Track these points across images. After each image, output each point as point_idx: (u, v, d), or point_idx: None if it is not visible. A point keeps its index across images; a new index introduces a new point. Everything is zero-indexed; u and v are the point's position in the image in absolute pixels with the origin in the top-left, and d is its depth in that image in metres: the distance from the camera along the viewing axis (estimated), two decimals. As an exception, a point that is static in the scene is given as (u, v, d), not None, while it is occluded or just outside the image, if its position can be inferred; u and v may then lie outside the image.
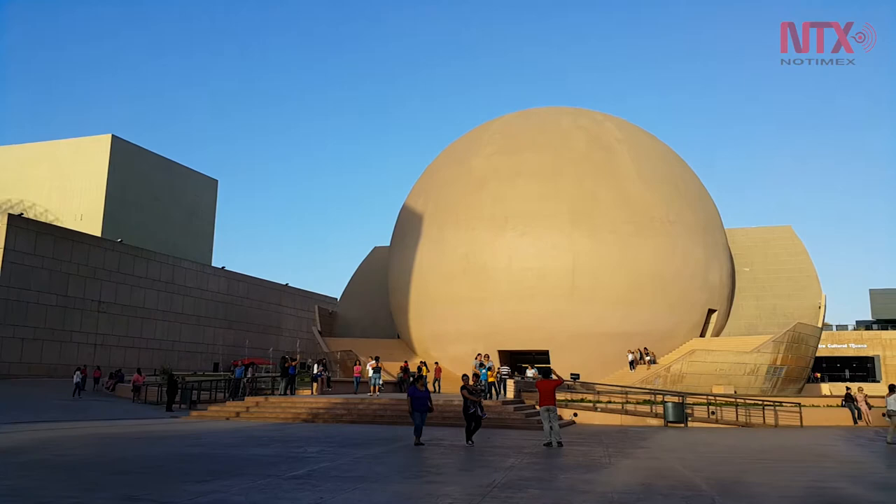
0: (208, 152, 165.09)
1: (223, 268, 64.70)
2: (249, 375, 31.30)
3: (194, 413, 26.37)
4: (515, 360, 38.61)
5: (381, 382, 30.56)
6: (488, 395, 26.15)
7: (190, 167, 75.79)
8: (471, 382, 17.64)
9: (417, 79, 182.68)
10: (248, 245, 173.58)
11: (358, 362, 30.88)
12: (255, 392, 30.46)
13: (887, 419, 18.32)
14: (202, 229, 77.00)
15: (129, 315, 51.06)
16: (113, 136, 66.49)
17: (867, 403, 26.66)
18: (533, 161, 37.39)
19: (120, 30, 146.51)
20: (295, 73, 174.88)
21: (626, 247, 35.04)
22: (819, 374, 56.27)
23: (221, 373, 47.78)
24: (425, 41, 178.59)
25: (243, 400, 27.41)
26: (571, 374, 31.19)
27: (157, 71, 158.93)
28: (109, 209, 64.65)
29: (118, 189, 65.61)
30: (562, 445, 15.52)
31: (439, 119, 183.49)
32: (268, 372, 41.24)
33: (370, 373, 28.74)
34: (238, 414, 24.97)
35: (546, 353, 35.40)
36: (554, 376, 16.84)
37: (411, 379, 16.71)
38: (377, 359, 29.71)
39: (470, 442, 15.75)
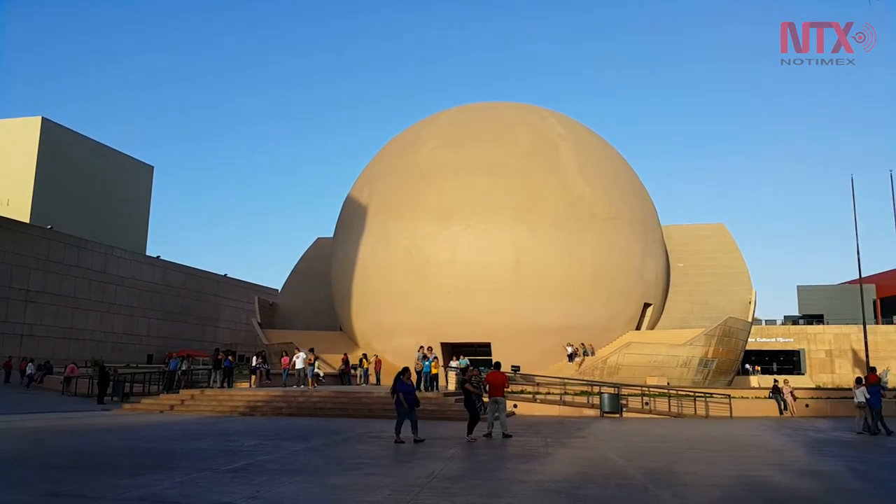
0: (144, 138, 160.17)
1: (158, 257, 62.89)
2: (185, 368, 30.62)
3: (127, 406, 25.63)
4: (457, 352, 38.81)
5: (321, 375, 30.30)
6: (433, 388, 26.26)
7: (124, 152, 73.39)
8: (469, 374, 16.94)
9: (363, 70, 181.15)
10: (185, 234, 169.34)
11: (285, 354, 30.41)
12: (191, 385, 29.81)
13: (857, 409, 19.80)
14: (137, 217, 74.56)
15: (59, 305, 49.19)
16: (43, 118, 63.72)
17: (792, 395, 27.83)
18: (478, 155, 37.59)
19: (51, 7, 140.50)
20: (238, 58, 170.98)
21: (568, 242, 35.62)
22: (759, 367, 58.37)
23: (156, 365, 46.57)
24: (374, 34, 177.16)
25: (178, 393, 26.79)
26: (512, 366, 31.58)
27: (90, 52, 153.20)
28: (39, 194, 61.97)
29: (48, 174, 62.94)
30: (510, 437, 15.70)
31: (385, 110, 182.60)
32: (204, 364, 40.39)
33: (297, 365, 28.35)
34: (172, 407, 24.40)
35: (488, 345, 35.73)
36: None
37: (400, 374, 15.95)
38: (312, 350, 29.40)
39: (471, 437, 15.37)
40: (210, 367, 30.94)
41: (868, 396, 19.18)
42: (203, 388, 27.82)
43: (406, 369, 15.76)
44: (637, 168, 44.43)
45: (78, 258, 51.31)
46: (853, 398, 20.28)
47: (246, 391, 26.76)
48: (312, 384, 27.86)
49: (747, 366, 59.22)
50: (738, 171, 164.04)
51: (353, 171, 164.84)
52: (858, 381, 20.58)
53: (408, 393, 14.96)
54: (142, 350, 56.73)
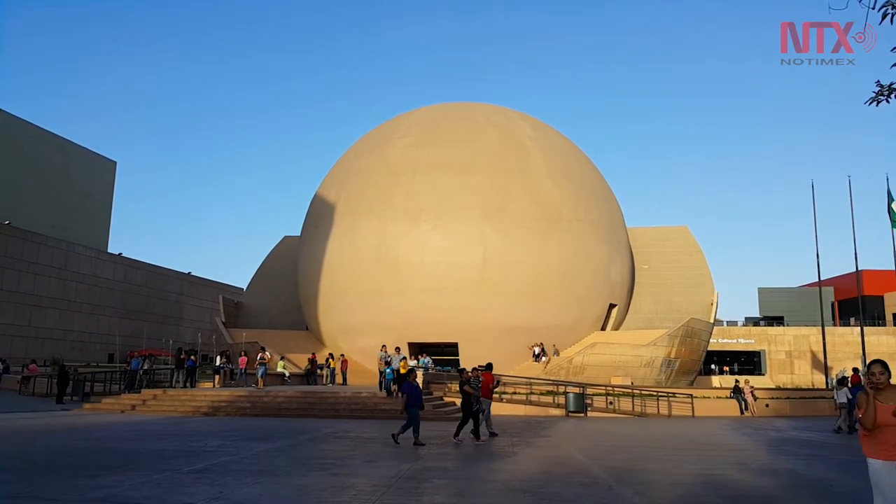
0: (107, 133, 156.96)
1: (120, 254, 61.64)
2: (147, 367, 30.13)
3: (87, 406, 25.14)
4: (423, 352, 38.82)
5: (287, 374, 30.02)
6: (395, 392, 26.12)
7: (86, 147, 71.80)
8: (465, 376, 16.82)
9: (332, 67, 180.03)
10: (148, 232, 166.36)
11: (243, 353, 30.06)
12: (153, 384, 29.38)
13: (837, 409, 20.75)
14: (98, 213, 72.95)
15: (17, 302, 47.95)
16: (0, 110, 62.08)
17: (753, 395, 28.45)
18: (447, 155, 37.64)
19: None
20: (205, 54, 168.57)
21: (535, 242, 35.85)
22: (728, 368, 59.30)
23: (117, 364, 45.70)
24: (343, 31, 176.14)
25: (140, 393, 26.36)
26: (478, 366, 31.64)
27: (51, 44, 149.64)
28: (-6, 189, 60.45)
29: (4, 167, 61.30)
30: (496, 435, 15.87)
31: (354, 108, 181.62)
32: (167, 364, 39.78)
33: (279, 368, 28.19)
34: (134, 407, 24.01)
35: (455, 345, 35.80)
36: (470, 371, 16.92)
37: (405, 374, 15.61)
38: (263, 349, 29.11)
39: (473, 437, 15.30)
40: (173, 366, 30.49)
41: (850, 397, 19.69)
42: (165, 388, 27.43)
43: (412, 370, 15.59)
44: (603, 170, 44.89)
45: (37, 254, 50.10)
46: (833, 398, 20.90)
47: (209, 391, 26.43)
48: (262, 384, 27.31)
49: (714, 366, 60.36)
50: (701, 174, 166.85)
51: (321, 169, 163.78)
52: (841, 381, 21.23)
53: (414, 394, 14.74)
54: (103, 349, 55.60)
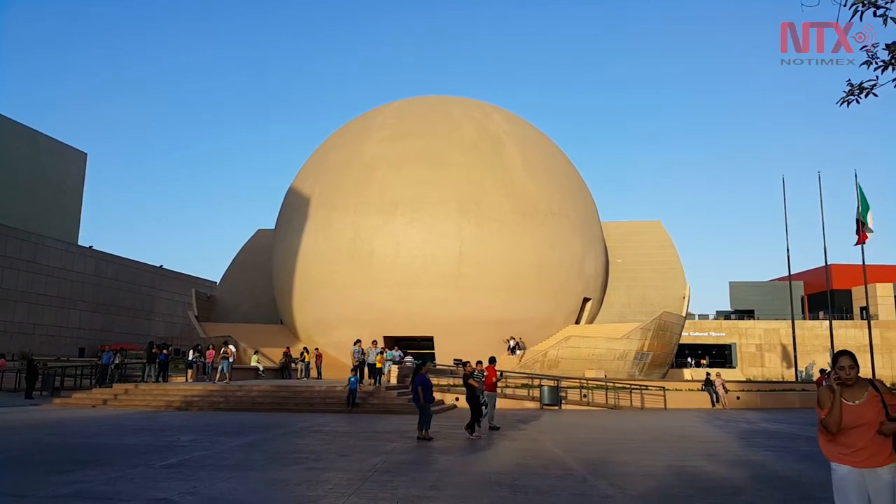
0: (77, 124, 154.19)
1: (91, 247, 60.66)
2: (118, 361, 29.73)
3: (57, 400, 24.74)
4: (400, 346, 38.81)
5: (261, 369, 29.74)
6: (377, 381, 26.08)
7: (56, 138, 70.48)
8: (468, 369, 16.71)
9: (305, 60, 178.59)
10: (120, 224, 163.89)
11: (211, 347, 29.70)
12: (125, 379, 29.02)
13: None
14: (68, 206, 71.66)
15: (-17, 296, 47.07)
16: (-34, 100, 60.89)
17: (724, 388, 28.89)
18: (423, 148, 37.56)
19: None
20: (177, 45, 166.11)
21: (511, 236, 35.96)
22: (705, 360, 59.95)
23: (88, 359, 45.05)
24: (316, 22, 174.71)
25: (111, 387, 26.01)
26: (455, 360, 31.77)
27: (19, 35, 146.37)
28: (-40, 180, 59.12)
29: (-29, 158, 60.06)
30: (496, 429, 15.99)
31: (328, 101, 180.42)
32: (139, 358, 39.32)
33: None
34: (105, 402, 23.68)
35: (431, 339, 35.82)
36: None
37: (417, 365, 15.42)
38: (227, 343, 28.70)
39: (476, 433, 15.16)
40: (144, 360, 30.13)
41: None
42: (137, 383, 27.07)
43: (424, 362, 15.53)
44: (577, 165, 45.13)
45: (5, 247, 49.12)
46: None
47: (182, 386, 26.17)
48: (227, 378, 26.78)
49: (691, 359, 61.10)
50: (674, 170, 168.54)
51: (296, 162, 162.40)
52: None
53: (427, 388, 14.62)
54: (73, 343, 54.77)
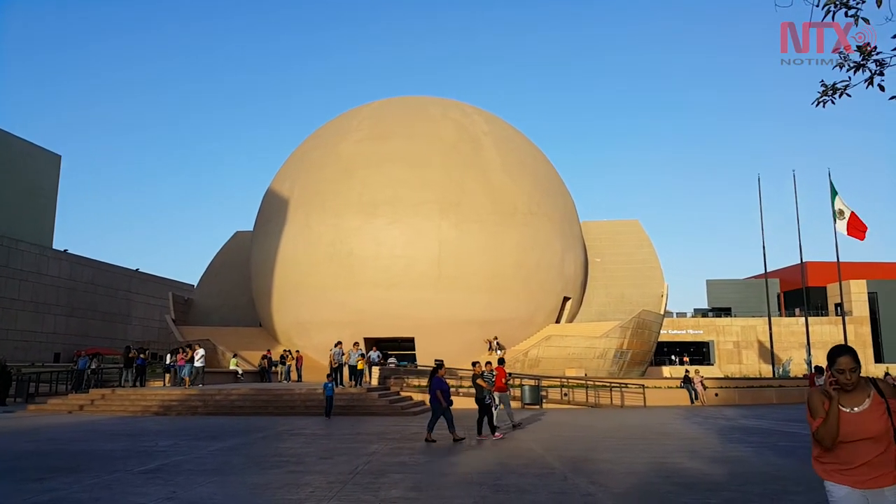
0: (51, 126, 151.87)
1: (66, 251, 59.75)
2: (94, 366, 29.31)
3: (32, 407, 24.33)
4: (381, 347, 38.74)
5: (240, 372, 29.40)
6: (358, 383, 26.01)
7: (30, 140, 69.36)
8: (477, 370, 16.56)
9: (283, 61, 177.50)
10: (95, 228, 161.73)
11: (181, 350, 29.31)
12: (102, 384, 28.60)
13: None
14: (42, 209, 70.55)
15: (-46, 301, 46.17)
16: (-65, 101, 59.75)
17: (703, 385, 29.17)
18: (402, 149, 37.47)
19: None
20: (152, 48, 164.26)
21: (491, 236, 36.01)
22: (687, 358, 60.51)
23: (63, 364, 44.36)
24: (294, 23, 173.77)
25: (88, 392, 25.64)
26: (435, 361, 31.73)
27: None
28: (-70, 184, 57.97)
29: (-59, 161, 58.93)
30: (518, 426, 16.25)
31: (305, 102, 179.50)
32: (115, 363, 38.80)
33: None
34: (82, 407, 23.35)
35: (412, 339, 35.76)
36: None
37: (434, 369, 15.40)
38: (189, 346, 28.14)
39: (482, 435, 15.10)
40: (122, 365, 29.73)
41: None
42: (114, 388, 26.71)
43: (441, 364, 15.53)
44: (556, 164, 45.36)
45: (-24, 252, 48.22)
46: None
47: (160, 390, 25.86)
48: (187, 382, 26.46)
49: (674, 357, 61.65)
50: (652, 169, 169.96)
51: (274, 164, 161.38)
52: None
53: (445, 390, 14.61)
54: (48, 348, 53.92)
